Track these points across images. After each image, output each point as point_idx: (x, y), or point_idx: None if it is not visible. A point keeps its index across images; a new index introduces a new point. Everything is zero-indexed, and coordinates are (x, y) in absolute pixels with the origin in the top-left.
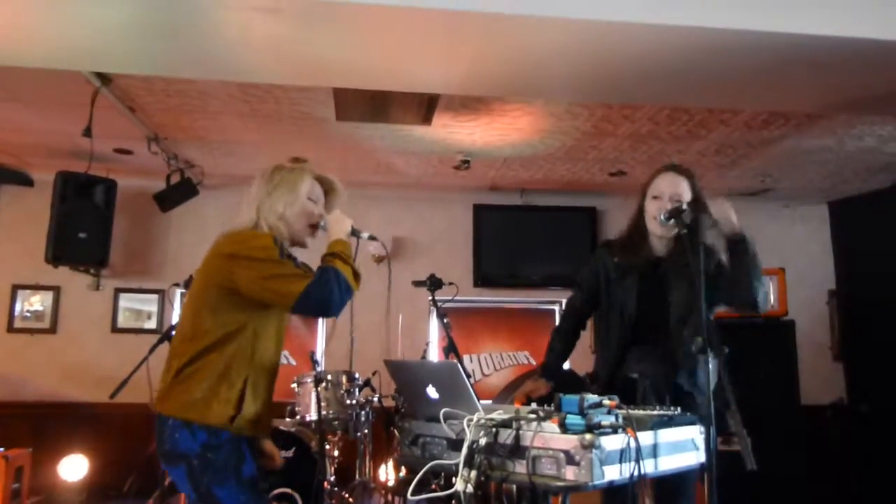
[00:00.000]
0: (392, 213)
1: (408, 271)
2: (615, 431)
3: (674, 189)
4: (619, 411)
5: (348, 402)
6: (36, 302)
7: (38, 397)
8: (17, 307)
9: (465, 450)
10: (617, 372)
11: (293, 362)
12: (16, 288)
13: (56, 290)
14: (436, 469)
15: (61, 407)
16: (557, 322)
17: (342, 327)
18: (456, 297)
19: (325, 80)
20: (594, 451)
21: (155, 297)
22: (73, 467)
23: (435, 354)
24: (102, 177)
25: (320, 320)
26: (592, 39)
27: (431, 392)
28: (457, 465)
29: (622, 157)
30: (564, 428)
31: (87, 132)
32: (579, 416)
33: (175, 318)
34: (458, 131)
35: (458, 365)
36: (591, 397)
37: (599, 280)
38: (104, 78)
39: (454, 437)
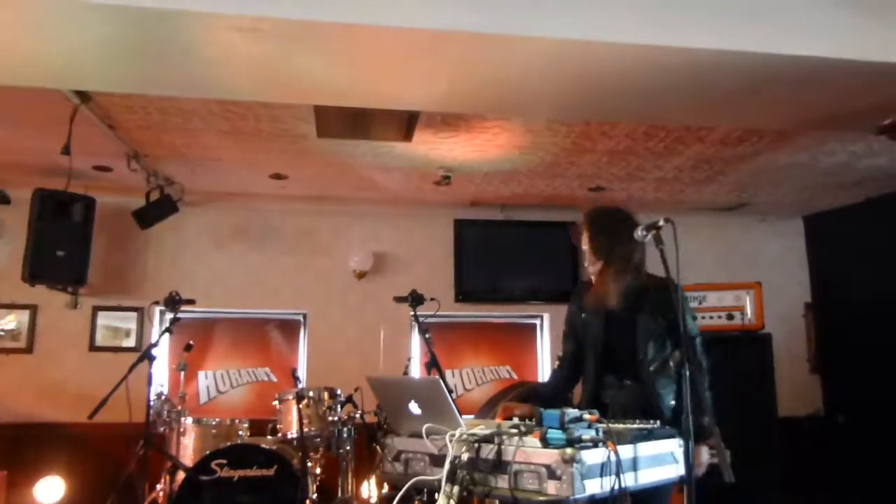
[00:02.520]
0: (373, 228)
1: (389, 287)
2: (596, 445)
3: (583, 234)
4: (599, 425)
5: (330, 418)
6: (11, 321)
7: (13, 418)
8: None
9: (447, 465)
10: (591, 399)
11: (274, 379)
12: None
13: (33, 308)
14: (418, 485)
15: (37, 428)
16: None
17: (323, 343)
18: (437, 313)
19: (305, 98)
20: (575, 465)
21: (134, 314)
22: (50, 489)
23: (417, 370)
24: (81, 194)
25: (301, 336)
26: (571, 59)
27: (414, 408)
28: (439, 480)
29: (601, 172)
30: (546, 442)
31: (66, 150)
32: (560, 431)
33: (154, 336)
34: (438, 147)
35: (441, 381)
36: (572, 411)
37: (573, 318)
38: (83, 95)
39: (437, 452)
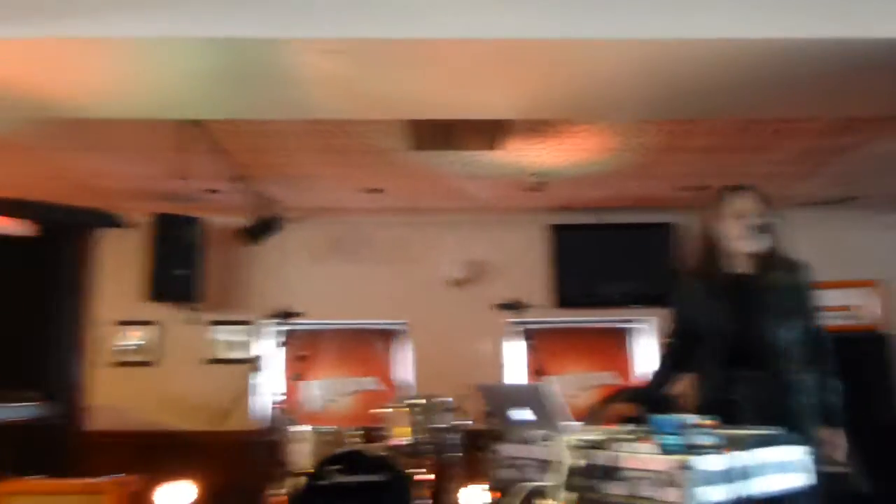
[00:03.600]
0: (466, 237)
1: (485, 294)
2: (714, 451)
3: (754, 206)
4: (717, 431)
5: (437, 425)
6: (138, 337)
7: (141, 426)
8: (121, 342)
9: (560, 471)
10: (717, 395)
11: (380, 387)
12: (120, 324)
13: (156, 325)
14: (530, 491)
15: (163, 436)
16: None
17: (425, 352)
18: (536, 319)
19: (396, 113)
20: (693, 471)
21: (246, 328)
22: (177, 494)
23: (518, 376)
24: (193, 216)
25: (403, 345)
26: (662, 59)
27: (523, 414)
28: (552, 487)
29: (696, 170)
30: (662, 448)
31: (181, 176)
32: (676, 437)
33: (266, 348)
34: (527, 154)
35: (549, 386)
36: (687, 417)
37: (685, 308)
38: (195, 124)
39: (548, 458)
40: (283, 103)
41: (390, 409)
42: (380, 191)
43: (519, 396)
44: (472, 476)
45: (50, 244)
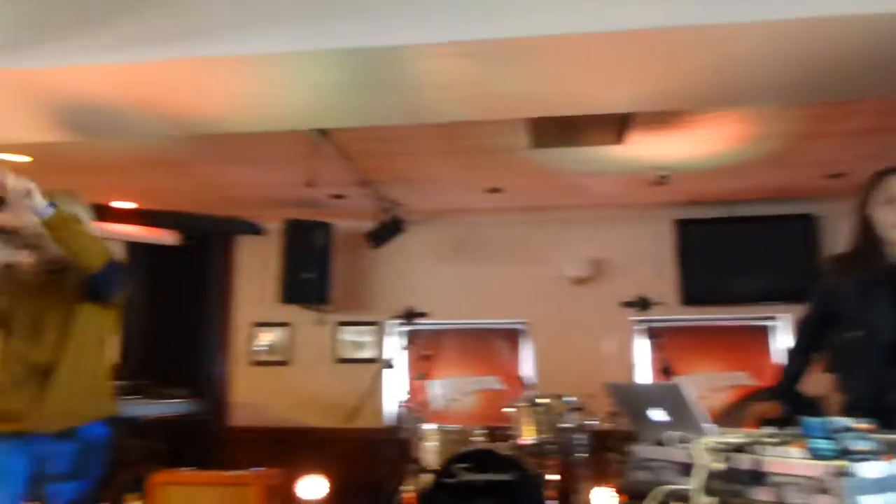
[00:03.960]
0: (588, 234)
1: (608, 292)
2: (873, 457)
3: None
4: (875, 435)
5: (563, 425)
6: (271, 338)
7: (277, 423)
8: (257, 343)
9: (699, 475)
10: (871, 397)
11: (502, 387)
12: (255, 326)
13: (288, 326)
14: (667, 494)
15: (297, 432)
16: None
17: (547, 351)
18: (664, 317)
19: (516, 113)
20: (849, 478)
21: (371, 328)
22: (314, 487)
23: (643, 376)
24: (321, 221)
25: (525, 345)
26: (805, 39)
27: (657, 414)
28: (691, 491)
29: (842, 157)
30: (813, 453)
31: (310, 183)
32: (828, 441)
33: (391, 348)
34: (652, 147)
35: (684, 386)
36: (839, 420)
37: (834, 300)
38: (323, 133)
39: (686, 461)
40: (408, 108)
41: (515, 409)
42: (500, 190)
43: (653, 396)
44: (600, 478)
45: (196, 252)
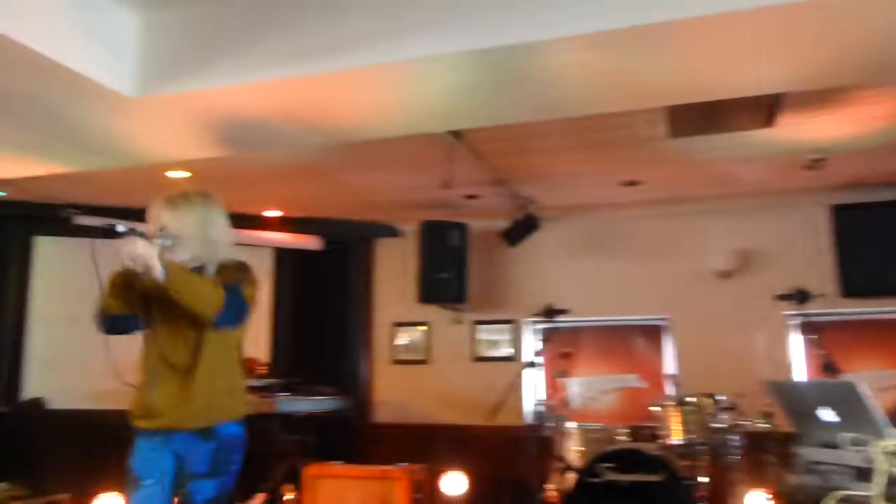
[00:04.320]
0: (733, 225)
1: (757, 285)
2: None
3: None
4: None
5: (713, 425)
6: (411, 337)
7: (418, 420)
8: (398, 342)
9: (879, 480)
10: None
11: (643, 385)
12: (395, 325)
13: (426, 325)
14: (841, 500)
15: (437, 429)
16: None
17: (690, 348)
18: (823, 310)
19: (657, 101)
20: None
21: (508, 326)
22: (455, 483)
23: (800, 374)
24: (456, 221)
25: (666, 342)
26: None
27: (826, 414)
28: (871, 496)
29: None
30: None
31: (446, 184)
32: None
33: (528, 346)
34: (806, 128)
35: (860, 384)
36: None
37: None
38: (456, 134)
39: (860, 464)
40: (541, 104)
41: (660, 408)
42: (637, 183)
43: (822, 395)
44: (754, 481)
45: (338, 255)
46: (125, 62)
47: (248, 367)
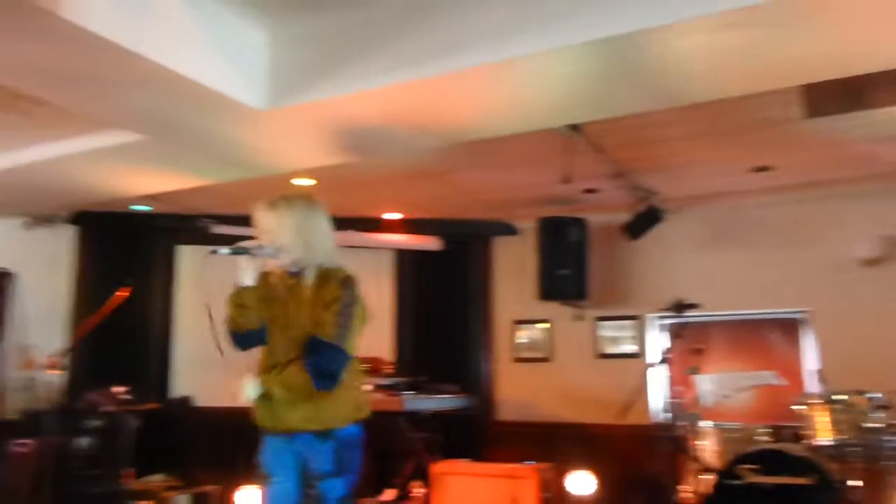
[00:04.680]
0: (879, 209)
1: None
2: None
3: None
4: None
5: (867, 425)
6: (532, 335)
7: (542, 418)
8: (519, 340)
9: None
10: None
11: (781, 382)
12: (516, 323)
13: (547, 322)
14: None
15: (562, 427)
16: None
17: (834, 343)
18: None
19: (791, 81)
20: None
21: (631, 322)
22: (583, 483)
23: None
24: (575, 217)
25: (805, 336)
26: None
27: None
28: None
29: None
30: None
31: (566, 179)
32: None
33: (654, 342)
34: None
35: None
36: None
37: None
38: (575, 128)
39: None
40: (665, 92)
41: (805, 406)
42: (769, 168)
43: None
44: None
45: (457, 255)
46: (255, 77)
47: (374, 366)
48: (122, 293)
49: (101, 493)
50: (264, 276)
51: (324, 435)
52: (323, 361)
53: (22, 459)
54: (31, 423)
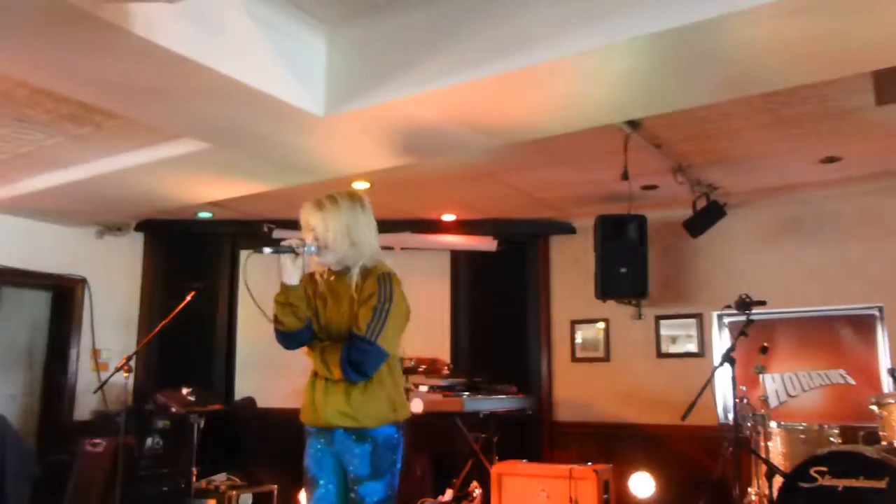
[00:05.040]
0: None
1: None
2: None
3: None
4: None
5: None
6: (590, 334)
7: (601, 419)
8: (578, 339)
9: None
10: None
11: (851, 381)
12: (574, 323)
13: (606, 322)
14: None
15: (623, 427)
16: None
17: None
18: None
19: (862, 67)
20: None
21: (693, 321)
22: (643, 484)
23: None
24: (634, 214)
25: (879, 333)
26: None
27: None
28: None
29: None
30: None
31: (625, 176)
32: None
33: (720, 340)
34: None
35: None
36: None
37: None
38: (633, 124)
39: None
40: (726, 84)
41: (881, 406)
42: (838, 159)
43: None
44: None
45: (514, 254)
46: (315, 84)
47: (432, 367)
48: (189, 297)
49: (168, 491)
50: (309, 276)
51: (360, 436)
52: (353, 352)
53: (95, 458)
54: (103, 423)
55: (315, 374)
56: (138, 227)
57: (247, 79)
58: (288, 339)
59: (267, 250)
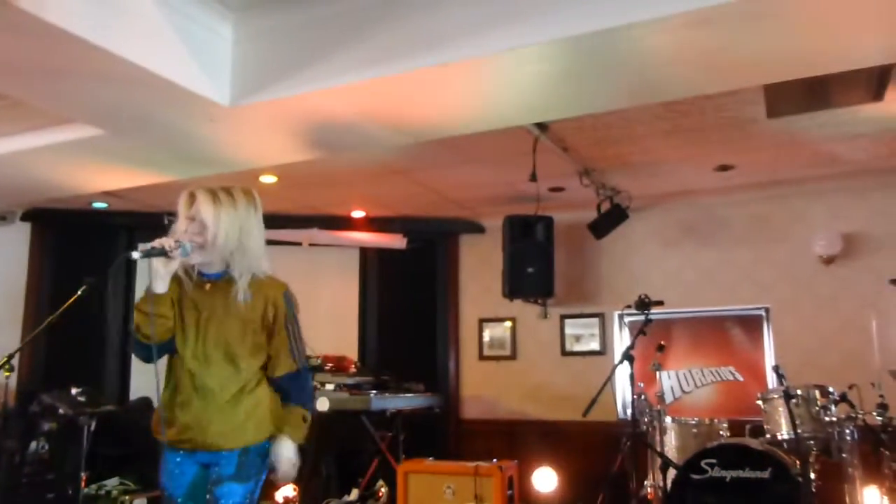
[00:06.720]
0: (838, 207)
1: (866, 270)
2: None
3: None
4: None
5: (825, 419)
6: (497, 333)
7: (507, 415)
8: (485, 338)
9: None
10: None
11: (739, 378)
12: (482, 321)
13: (513, 320)
14: None
15: (527, 424)
16: None
17: (792, 339)
18: None
19: (755, 80)
20: None
21: (595, 320)
22: (546, 479)
23: None
24: (541, 215)
25: (764, 332)
26: None
27: None
28: None
29: None
30: None
31: (533, 177)
32: None
33: (619, 339)
34: None
35: None
36: None
37: None
38: (542, 126)
39: None
40: (633, 91)
41: (765, 401)
42: (732, 167)
43: None
44: (869, 477)
45: (422, 253)
46: (220, 72)
47: (339, 365)
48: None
49: (53, 498)
50: (176, 279)
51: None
52: (305, 394)
53: None
54: None
55: (179, 396)
56: (24, 217)
57: (146, 63)
58: (149, 351)
59: (136, 255)
